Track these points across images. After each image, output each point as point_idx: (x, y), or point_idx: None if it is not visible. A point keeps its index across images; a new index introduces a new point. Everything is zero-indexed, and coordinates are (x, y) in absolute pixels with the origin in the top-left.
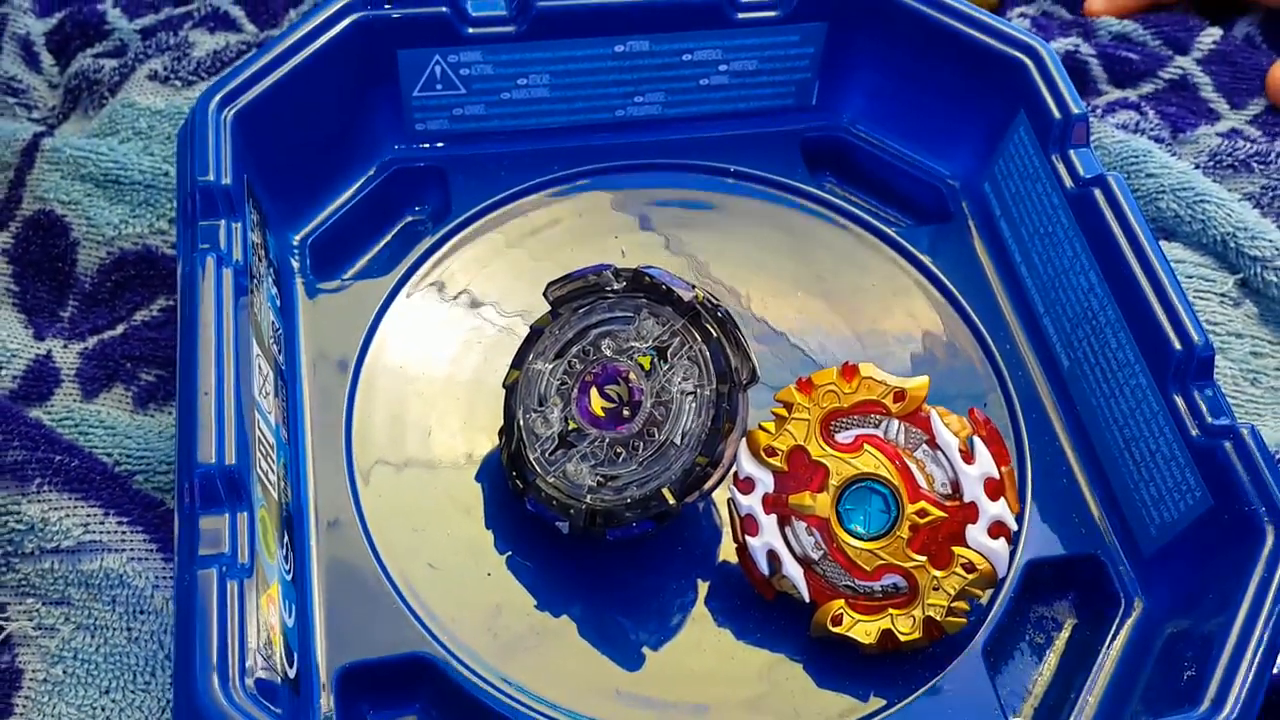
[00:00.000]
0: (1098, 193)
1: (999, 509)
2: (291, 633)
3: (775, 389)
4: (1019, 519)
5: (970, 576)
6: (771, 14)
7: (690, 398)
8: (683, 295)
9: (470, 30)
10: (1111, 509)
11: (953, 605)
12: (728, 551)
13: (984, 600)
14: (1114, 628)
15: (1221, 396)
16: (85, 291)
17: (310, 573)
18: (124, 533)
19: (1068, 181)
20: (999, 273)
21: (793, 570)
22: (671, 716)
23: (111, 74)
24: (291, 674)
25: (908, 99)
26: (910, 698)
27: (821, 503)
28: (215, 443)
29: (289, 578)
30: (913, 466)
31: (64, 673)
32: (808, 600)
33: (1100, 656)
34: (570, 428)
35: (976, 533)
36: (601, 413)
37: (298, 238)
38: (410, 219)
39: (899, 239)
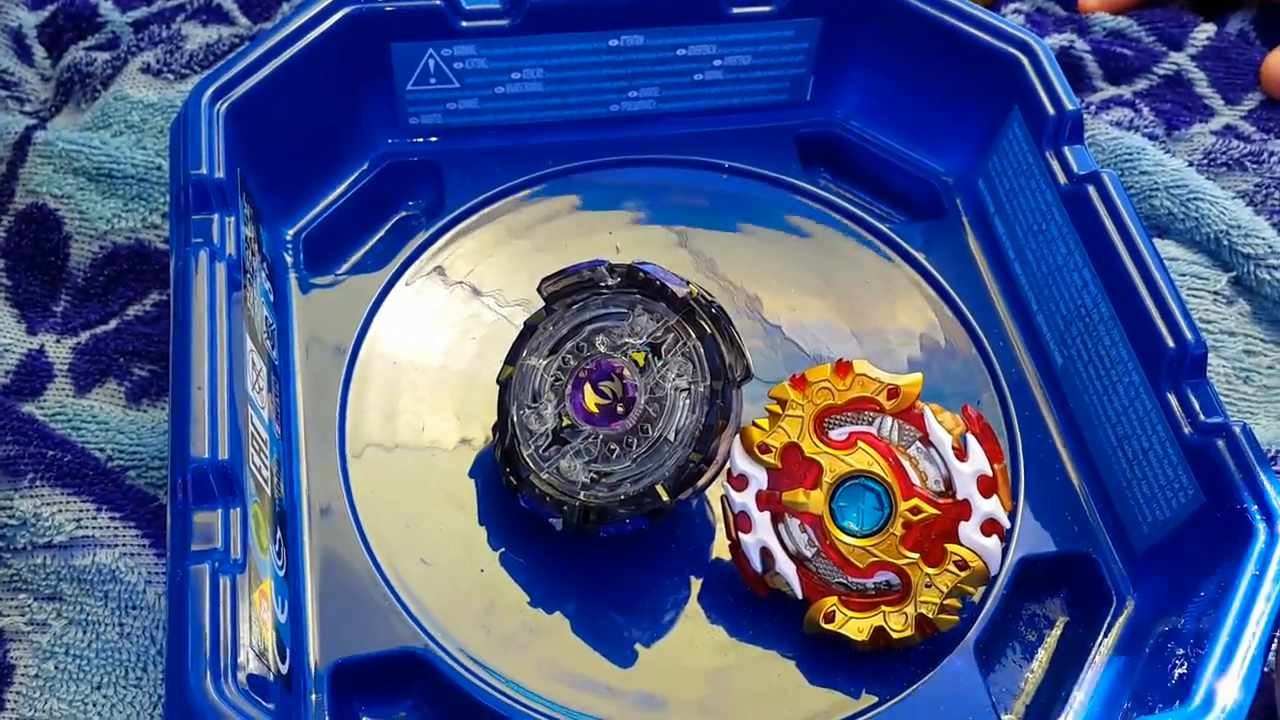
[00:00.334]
0: (1092, 190)
1: (992, 506)
2: (284, 628)
3: (769, 385)
4: (1012, 516)
5: (963, 574)
6: (766, 9)
7: (684, 394)
8: (677, 291)
9: (464, 24)
10: (1104, 506)
11: (945, 602)
12: (721, 548)
13: (976, 598)
14: (1106, 625)
15: (1214, 394)
16: (78, 286)
17: (303, 568)
18: (116, 528)
19: (1062, 178)
20: (993, 269)
21: (786, 567)
22: (664, 713)
23: (104, 67)
24: (284, 670)
25: (902, 95)
26: (902, 695)
27: (815, 500)
28: (208, 438)
29: (281, 573)
30: (906, 464)
31: (56, 668)
32: (800, 597)
33: (1092, 654)
34: (564, 424)
35: (969, 530)
36: (595, 409)
37: (291, 232)
38: (404, 213)
39: (893, 235)
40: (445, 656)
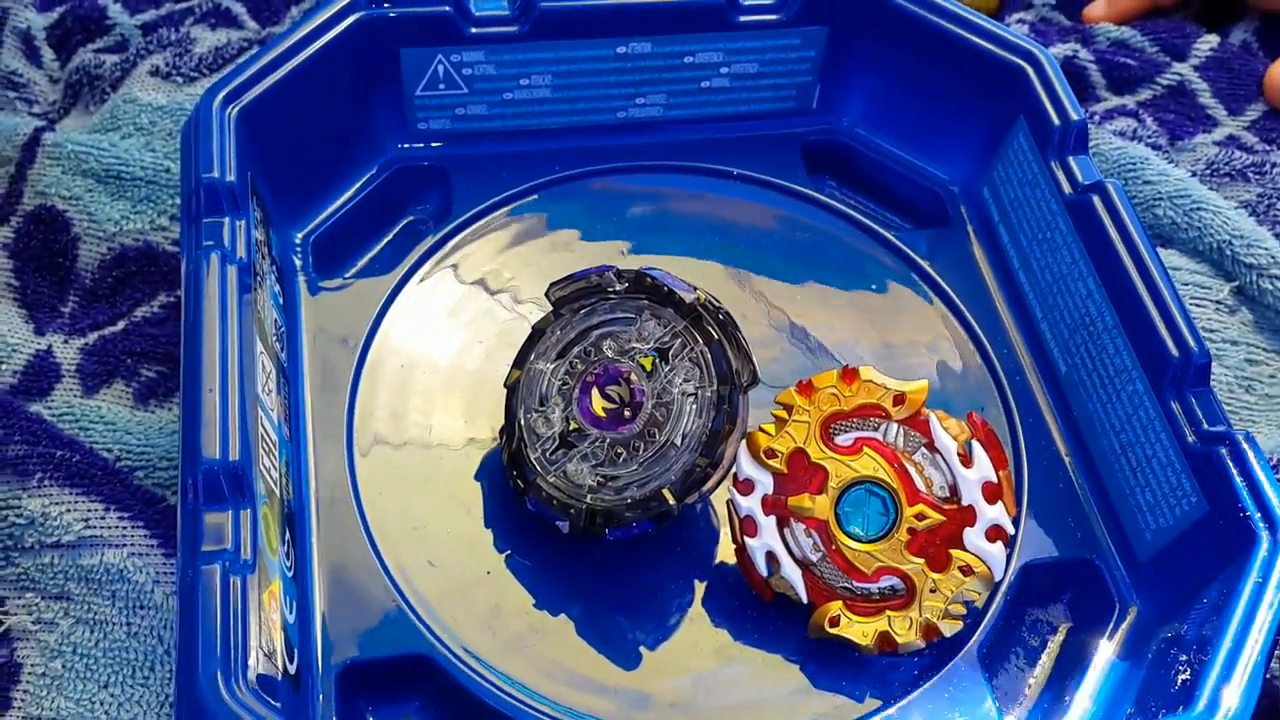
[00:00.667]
0: (1096, 199)
1: (996, 513)
2: (292, 629)
3: (776, 390)
4: (1016, 523)
5: (967, 579)
6: (773, 17)
7: (691, 399)
8: (684, 297)
9: (473, 30)
10: (1107, 514)
11: (949, 607)
12: (726, 552)
13: (980, 603)
14: (1109, 631)
15: (1217, 403)
16: (86, 287)
17: (310, 569)
18: (125, 528)
19: (1066, 187)
20: (997, 278)
21: (791, 571)
22: (668, 715)
23: (113, 69)
24: (292, 670)
25: (908, 103)
26: (906, 699)
27: (821, 505)
28: (219, 439)
29: (290, 574)
30: (911, 470)
31: (63, 667)
32: (805, 601)
33: (1095, 660)
34: (571, 428)
35: (974, 536)
36: (603, 413)
37: (300, 235)
38: (412, 218)
39: (898, 243)
40: (451, 658)
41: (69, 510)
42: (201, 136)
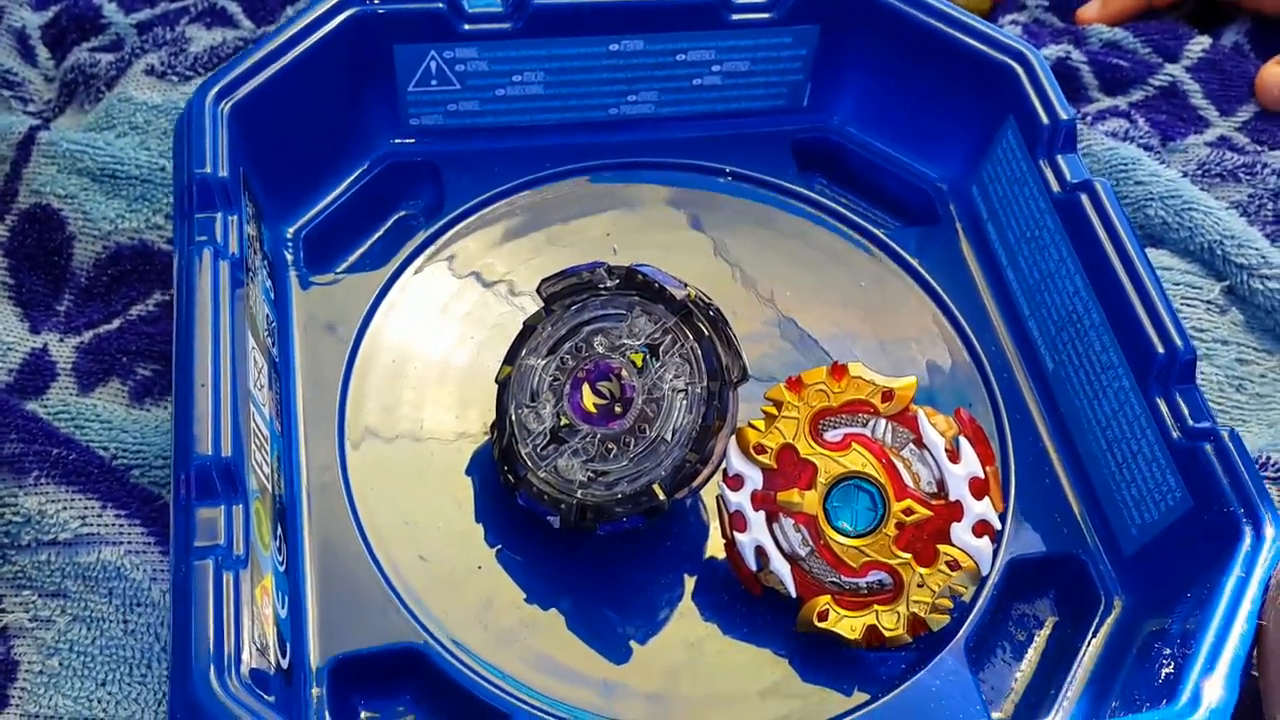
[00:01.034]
0: (1084, 198)
1: (983, 508)
2: (284, 623)
3: (765, 386)
4: (1002, 518)
5: (954, 574)
6: (765, 16)
7: (681, 395)
8: (675, 293)
9: (466, 26)
10: (1093, 509)
11: (937, 602)
12: (716, 547)
13: (967, 597)
14: (1094, 625)
15: (1203, 400)
16: (81, 286)
17: (302, 564)
18: (121, 526)
19: (1055, 186)
20: (985, 275)
21: (780, 566)
22: (658, 708)
23: (108, 68)
24: (284, 664)
25: (898, 102)
26: (894, 692)
27: (809, 500)
28: (211, 434)
29: (282, 569)
30: (899, 465)
31: (60, 664)
32: (794, 596)
33: (1080, 653)
34: (562, 423)
35: (961, 531)
36: (593, 409)
37: (291, 231)
38: (404, 213)
39: (887, 240)
40: (443, 652)
41: (66, 508)
42: (194, 132)
